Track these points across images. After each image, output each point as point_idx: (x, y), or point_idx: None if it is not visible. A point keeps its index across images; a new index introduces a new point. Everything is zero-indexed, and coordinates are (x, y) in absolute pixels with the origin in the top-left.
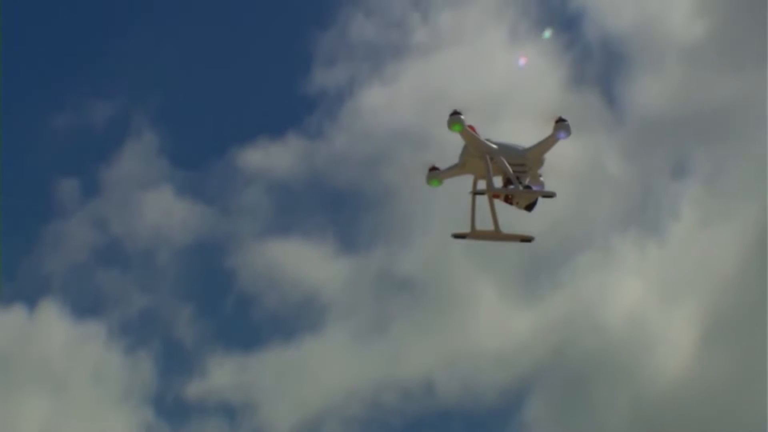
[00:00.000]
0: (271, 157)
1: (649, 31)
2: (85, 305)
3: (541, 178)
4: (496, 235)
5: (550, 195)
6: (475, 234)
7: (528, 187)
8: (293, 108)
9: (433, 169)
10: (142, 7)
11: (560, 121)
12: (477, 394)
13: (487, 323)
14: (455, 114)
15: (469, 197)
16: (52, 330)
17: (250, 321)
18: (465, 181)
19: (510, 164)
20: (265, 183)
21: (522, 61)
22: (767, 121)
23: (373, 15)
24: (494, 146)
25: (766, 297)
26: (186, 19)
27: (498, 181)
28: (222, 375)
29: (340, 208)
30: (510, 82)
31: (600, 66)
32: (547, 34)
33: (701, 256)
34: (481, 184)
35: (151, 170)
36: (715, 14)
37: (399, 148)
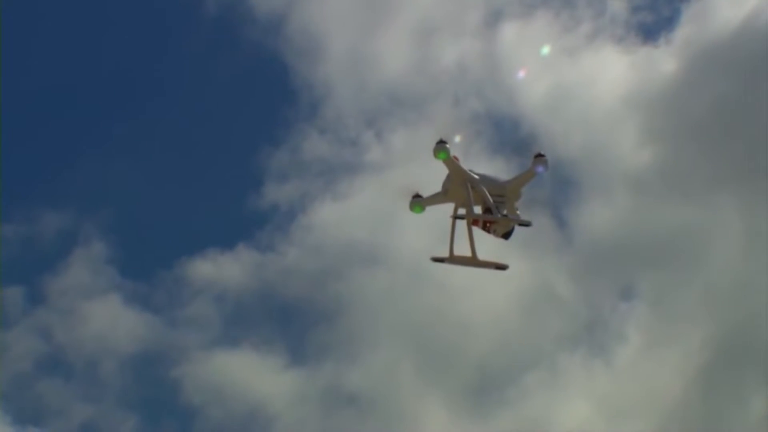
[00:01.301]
0: (221, 269)
1: (597, 157)
2: (27, 415)
3: (518, 211)
4: (473, 260)
5: (526, 224)
6: (453, 259)
7: (505, 216)
8: (244, 222)
9: (417, 196)
10: (94, 120)
11: (539, 156)
12: None
13: None
14: (441, 143)
15: (449, 224)
16: None
17: None
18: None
19: (490, 194)
20: (214, 294)
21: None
22: (712, 249)
23: (328, 133)
24: (476, 176)
25: (709, 423)
26: (139, 131)
27: (477, 210)
28: None
29: (290, 322)
30: None
31: (550, 189)
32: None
33: (647, 378)
34: (462, 212)
35: (98, 280)
36: (661, 142)
37: (349, 264)
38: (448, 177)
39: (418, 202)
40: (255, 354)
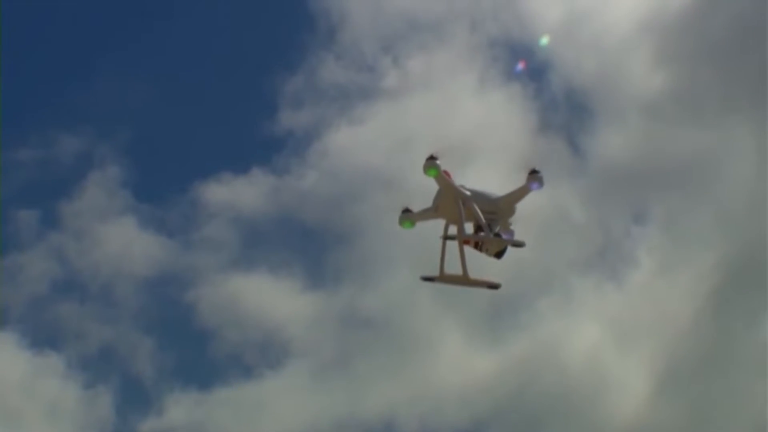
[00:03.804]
0: (236, 193)
1: (610, 83)
2: (44, 338)
3: (512, 227)
4: (464, 280)
5: (519, 244)
6: (443, 278)
7: (498, 234)
8: (259, 147)
9: (407, 211)
10: (109, 43)
11: (534, 173)
12: None
13: (449, 364)
14: (431, 159)
15: (439, 240)
16: (9, 363)
17: (210, 356)
18: (435, 224)
19: (482, 211)
20: (229, 217)
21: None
22: (725, 173)
23: (344, 58)
24: (468, 193)
25: (720, 345)
26: (155, 56)
27: (469, 227)
28: (179, 412)
29: (306, 245)
30: (478, 127)
31: (565, 116)
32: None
33: (659, 302)
34: (453, 229)
35: (113, 203)
36: (675, 66)
37: (366, 188)
38: (439, 193)
39: (408, 216)
40: (271, 277)
